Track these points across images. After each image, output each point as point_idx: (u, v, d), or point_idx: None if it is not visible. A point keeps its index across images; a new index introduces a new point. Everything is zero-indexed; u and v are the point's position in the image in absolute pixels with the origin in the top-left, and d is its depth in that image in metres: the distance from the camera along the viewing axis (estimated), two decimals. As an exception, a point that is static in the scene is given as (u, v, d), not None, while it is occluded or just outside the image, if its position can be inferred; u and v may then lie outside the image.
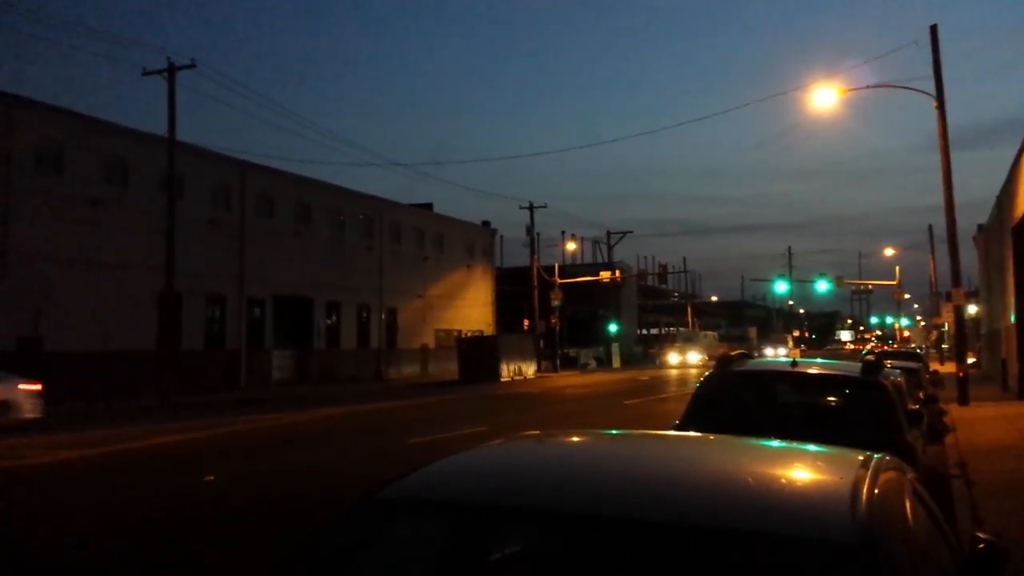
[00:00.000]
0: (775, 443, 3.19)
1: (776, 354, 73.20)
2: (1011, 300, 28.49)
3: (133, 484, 12.45)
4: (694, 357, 63.73)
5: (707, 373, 7.85)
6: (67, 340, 29.08)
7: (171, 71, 30.05)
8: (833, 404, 7.49)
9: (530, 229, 57.16)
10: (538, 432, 3.46)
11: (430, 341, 52.19)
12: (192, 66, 30.33)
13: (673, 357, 64.45)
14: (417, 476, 2.59)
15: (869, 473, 2.45)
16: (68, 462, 14.61)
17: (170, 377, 29.02)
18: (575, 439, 3.44)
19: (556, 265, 62.10)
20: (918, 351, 41.56)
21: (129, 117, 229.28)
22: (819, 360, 9.69)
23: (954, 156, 24.11)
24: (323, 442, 17.78)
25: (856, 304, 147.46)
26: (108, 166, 31.62)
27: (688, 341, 70.18)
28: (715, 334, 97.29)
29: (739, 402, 7.41)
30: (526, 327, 58.22)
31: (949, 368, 30.99)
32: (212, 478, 12.72)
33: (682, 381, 39.20)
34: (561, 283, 58.39)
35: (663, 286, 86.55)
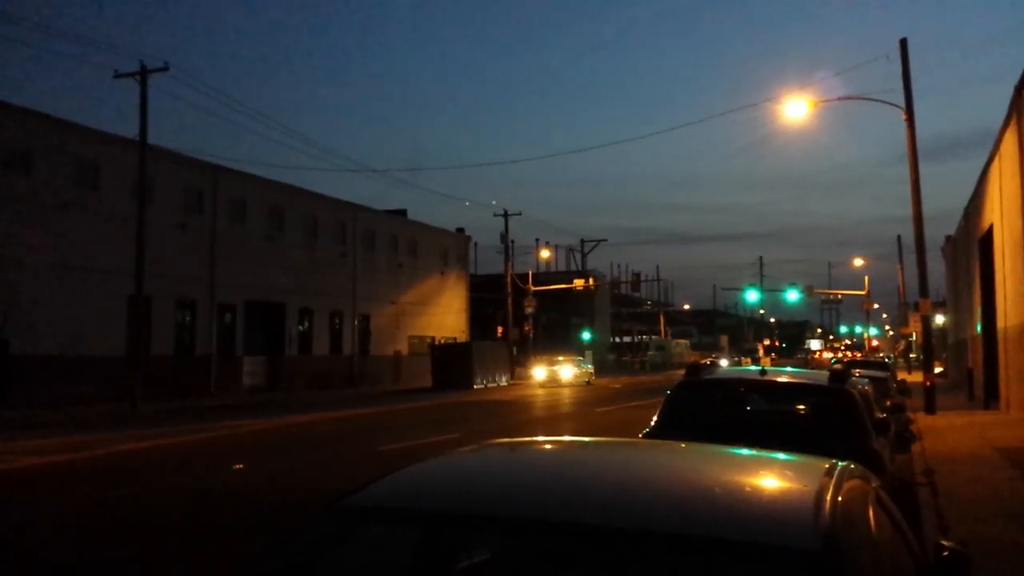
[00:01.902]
0: (742, 451, 3.21)
1: (741, 362, 73.39)
2: (978, 311, 28.92)
3: (94, 492, 12.27)
4: (567, 373, 48.10)
5: (676, 382, 7.87)
6: (35, 344, 28.68)
7: (143, 74, 29.75)
8: (801, 412, 7.55)
9: (504, 236, 57.26)
10: (506, 439, 3.45)
11: (403, 348, 52.03)
12: (165, 69, 30.06)
13: (539, 372, 49.09)
14: (383, 484, 2.58)
15: (833, 481, 2.46)
16: (29, 469, 14.38)
17: (139, 383, 28.67)
18: (544, 447, 3.44)
19: (530, 272, 62.25)
20: (886, 360, 42.01)
21: (100, 120, 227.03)
22: (788, 369, 9.76)
23: (923, 168, 24.55)
24: (292, 449, 17.63)
25: (826, 313, 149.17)
26: (78, 169, 31.25)
27: (561, 355, 54.20)
28: (687, 342, 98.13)
29: (709, 410, 7.45)
30: (500, 334, 58.24)
31: (917, 377, 31.36)
32: (177, 486, 12.58)
33: (654, 390, 39.33)
34: (535, 290, 58.50)
35: (636, 294, 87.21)
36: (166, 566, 7.92)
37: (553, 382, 47.42)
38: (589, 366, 53.12)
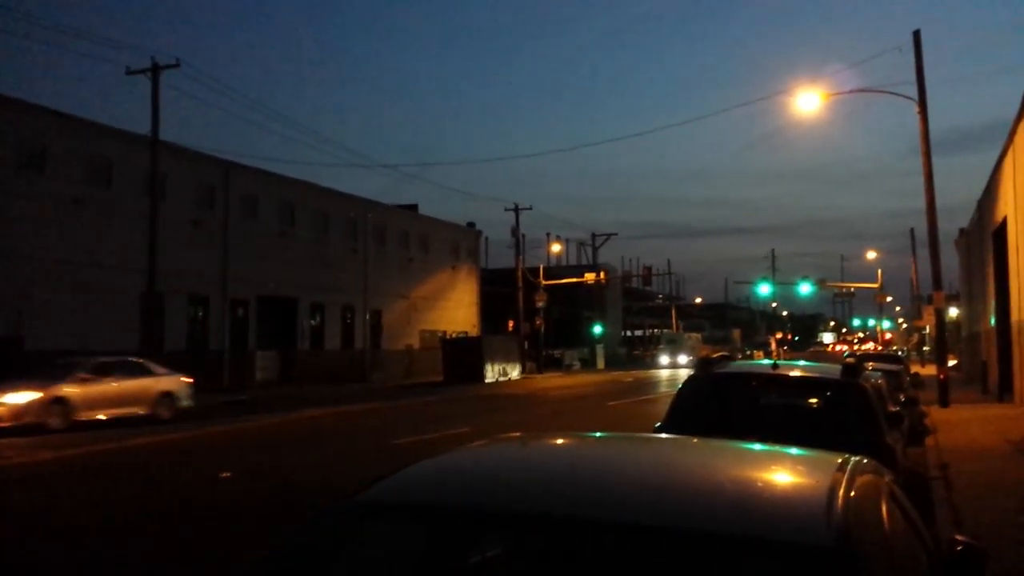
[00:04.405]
0: (754, 446, 3.19)
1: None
2: (991, 303, 28.73)
3: (113, 486, 12.36)
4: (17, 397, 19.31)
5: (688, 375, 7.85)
6: (48, 340, 28.83)
7: (155, 70, 29.84)
8: (813, 406, 7.50)
9: (515, 231, 57.19)
10: (518, 434, 3.45)
11: (415, 342, 52.08)
12: (176, 66, 30.14)
13: (16, 398, 19.10)
14: (396, 479, 2.58)
15: (846, 476, 2.45)
16: (47, 462, 14.48)
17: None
18: (555, 441, 3.43)
19: (541, 267, 62.12)
20: (899, 353, 41.81)
21: (112, 117, 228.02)
22: (800, 362, 9.71)
23: (936, 161, 24.40)
24: (305, 443, 17.68)
25: (838, 307, 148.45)
26: (91, 166, 31.38)
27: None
28: (699, 336, 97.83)
29: (720, 404, 7.41)
30: (511, 328, 58.21)
31: (930, 370, 31.19)
32: (193, 479, 12.64)
33: (666, 383, 39.27)
34: (546, 285, 58.40)
35: (647, 288, 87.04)
36: (178, 559, 7.95)
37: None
38: (181, 383, 23.98)
